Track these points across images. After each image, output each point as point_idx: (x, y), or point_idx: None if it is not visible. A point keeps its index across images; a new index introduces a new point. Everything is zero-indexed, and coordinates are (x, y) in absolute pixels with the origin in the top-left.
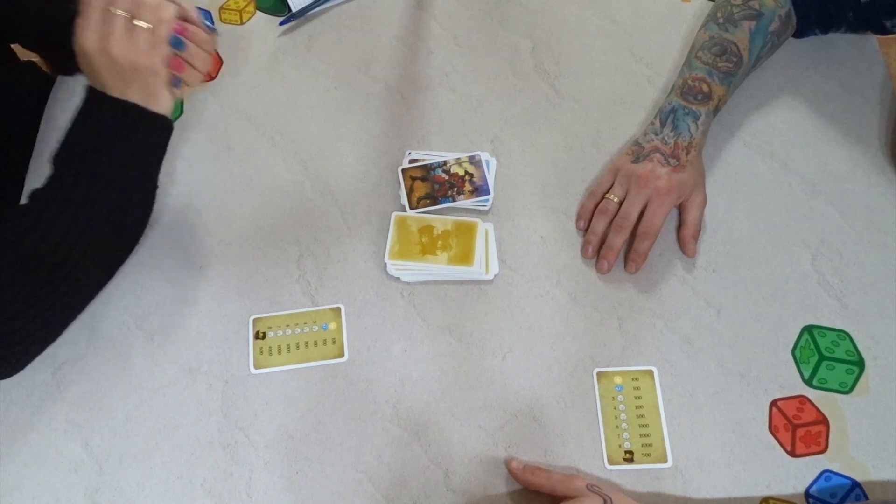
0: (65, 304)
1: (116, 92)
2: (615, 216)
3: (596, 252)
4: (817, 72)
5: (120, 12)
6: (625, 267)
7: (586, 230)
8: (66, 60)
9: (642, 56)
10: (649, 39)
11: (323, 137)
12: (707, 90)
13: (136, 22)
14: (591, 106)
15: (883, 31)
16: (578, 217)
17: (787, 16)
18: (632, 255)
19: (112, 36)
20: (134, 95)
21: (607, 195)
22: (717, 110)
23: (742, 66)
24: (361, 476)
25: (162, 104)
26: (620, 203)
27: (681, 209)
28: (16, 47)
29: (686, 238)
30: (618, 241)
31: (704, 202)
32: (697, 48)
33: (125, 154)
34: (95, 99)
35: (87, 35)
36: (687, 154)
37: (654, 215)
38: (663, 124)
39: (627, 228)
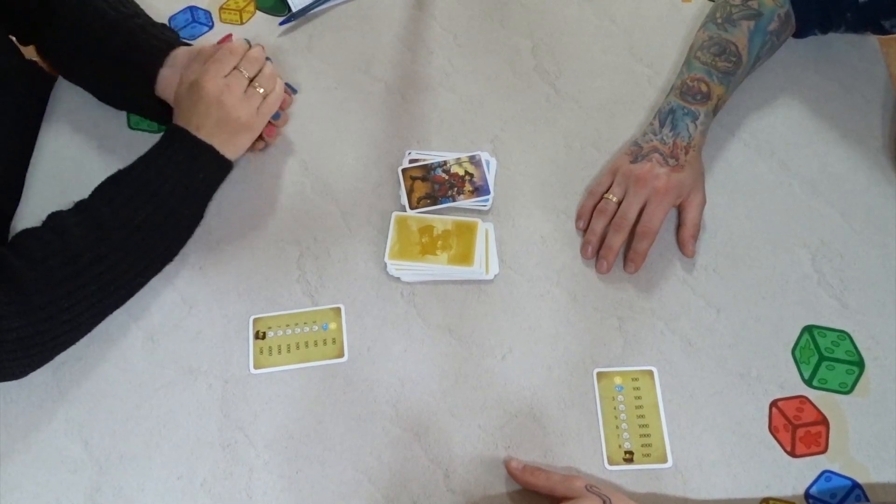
0: (84, 316)
1: (203, 133)
2: (614, 216)
3: (595, 252)
4: (817, 72)
5: (246, 74)
6: (624, 267)
7: (586, 230)
8: (124, 99)
9: (642, 56)
10: (649, 39)
11: (323, 137)
12: (706, 90)
13: (257, 87)
14: (591, 106)
15: (882, 31)
16: (578, 217)
17: (787, 15)
18: (630, 254)
19: (232, 90)
20: (218, 141)
21: (606, 195)
22: (716, 110)
23: (741, 66)
24: (361, 476)
25: (236, 154)
26: (619, 203)
27: (680, 209)
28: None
29: (685, 238)
30: (617, 240)
31: (703, 202)
32: (696, 48)
33: (187, 188)
34: (178, 133)
35: (210, 80)
36: (686, 154)
37: (652, 215)
38: (662, 124)
39: (626, 228)
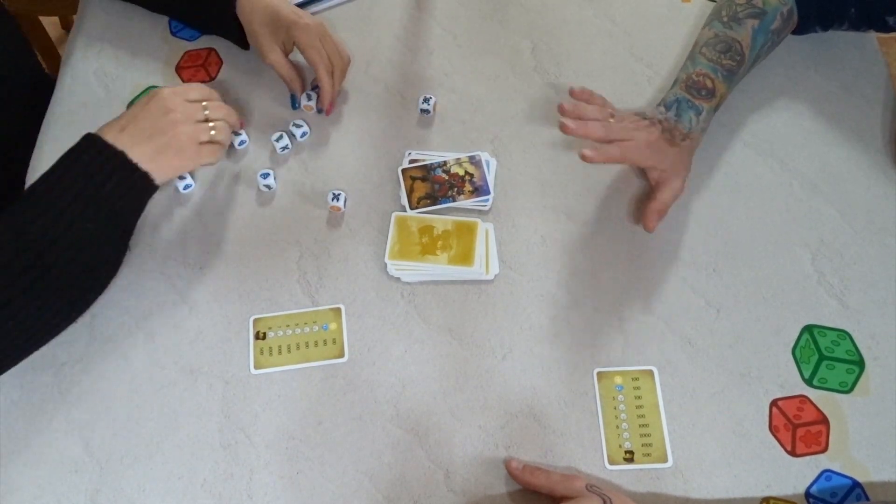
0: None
1: (126, 134)
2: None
3: (564, 112)
4: (818, 72)
5: (207, 112)
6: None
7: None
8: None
9: (642, 56)
10: (649, 39)
11: (323, 138)
12: (711, 86)
13: (210, 128)
14: None
15: (885, 28)
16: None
17: (789, 13)
18: (601, 153)
19: (187, 111)
20: (141, 151)
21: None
22: (716, 109)
23: (743, 66)
24: (362, 476)
25: (160, 175)
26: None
27: (655, 187)
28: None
29: (651, 210)
30: (591, 113)
31: (680, 192)
32: (702, 45)
33: (90, 201)
34: (87, 138)
35: (170, 91)
36: (682, 140)
37: (629, 145)
38: (668, 109)
39: (603, 118)
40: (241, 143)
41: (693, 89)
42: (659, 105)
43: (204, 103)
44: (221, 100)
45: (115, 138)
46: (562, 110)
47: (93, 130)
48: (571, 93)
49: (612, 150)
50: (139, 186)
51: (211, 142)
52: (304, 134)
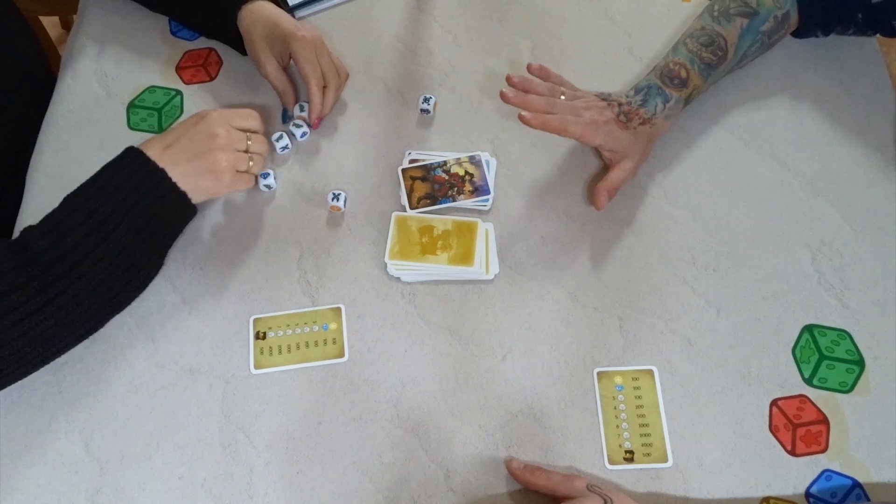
0: (25, 354)
1: (169, 153)
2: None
3: (511, 83)
4: (818, 72)
5: (250, 143)
6: (523, 119)
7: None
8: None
9: (642, 56)
10: (649, 39)
11: (323, 137)
12: (685, 76)
13: (249, 159)
14: None
15: (892, 32)
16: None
17: (784, 17)
18: (539, 115)
19: (230, 137)
20: (181, 171)
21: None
22: (689, 100)
23: (725, 62)
24: (362, 476)
25: (195, 195)
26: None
27: (609, 166)
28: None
29: (600, 189)
30: (539, 88)
31: (632, 175)
32: (687, 35)
33: (127, 213)
34: (129, 151)
35: (218, 115)
36: (640, 123)
37: (571, 119)
38: (636, 93)
39: (551, 97)
40: (267, 186)
41: (666, 77)
42: (630, 89)
43: (248, 135)
44: (264, 131)
45: (157, 155)
46: (509, 80)
47: (131, 128)
48: (528, 68)
49: (552, 120)
50: (177, 205)
51: (246, 171)
52: (303, 134)
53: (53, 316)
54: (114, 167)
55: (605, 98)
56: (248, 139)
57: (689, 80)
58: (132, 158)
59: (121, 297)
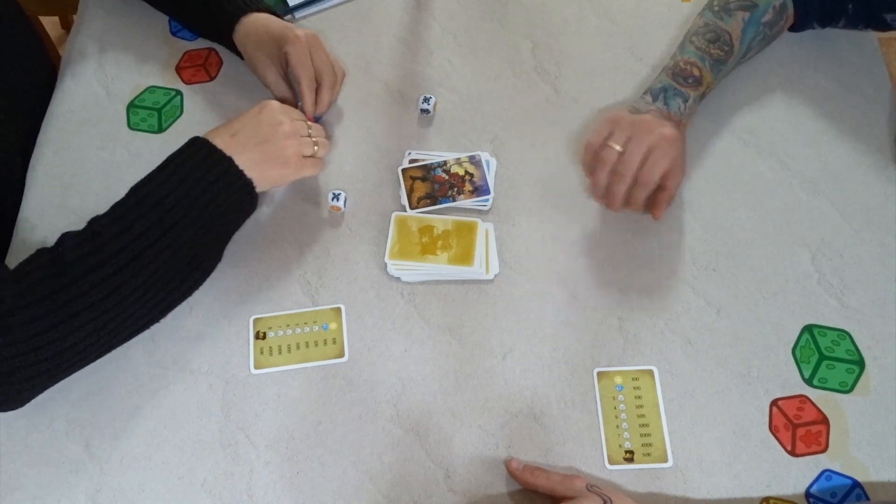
0: (75, 350)
1: (236, 141)
2: (616, 164)
3: (601, 199)
4: (817, 70)
5: (310, 130)
6: (606, 204)
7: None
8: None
9: (642, 56)
10: (649, 39)
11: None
12: (698, 74)
13: (314, 142)
14: (591, 106)
15: (883, 26)
16: (585, 171)
17: (782, 7)
18: (631, 202)
19: (295, 126)
20: (248, 159)
21: (609, 142)
22: (702, 97)
23: (732, 56)
24: (362, 476)
25: (262, 184)
26: (621, 152)
27: (662, 174)
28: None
29: (661, 200)
30: (620, 189)
31: (683, 177)
32: (692, 33)
33: (194, 203)
34: (196, 141)
35: (278, 105)
36: (678, 126)
37: (655, 163)
38: (655, 99)
39: (629, 176)
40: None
41: (679, 77)
42: (644, 94)
43: (308, 122)
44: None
45: (225, 143)
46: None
47: (131, 128)
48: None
49: (641, 195)
50: (243, 194)
51: (312, 156)
52: None
53: (117, 306)
54: (180, 157)
55: (634, 107)
56: (309, 127)
57: (703, 78)
58: (198, 147)
59: (182, 289)
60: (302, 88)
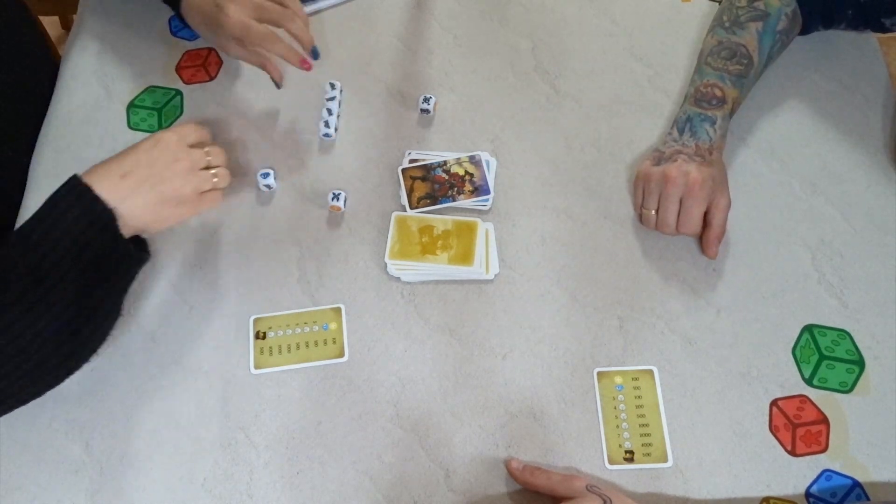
0: None
1: (127, 183)
2: (657, 227)
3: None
4: (818, 71)
5: (209, 158)
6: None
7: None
8: None
9: (642, 56)
10: (649, 39)
11: (322, 137)
12: (721, 94)
13: (213, 174)
14: (591, 106)
15: (882, 29)
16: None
17: (794, 14)
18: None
19: (193, 157)
20: (142, 202)
21: (643, 208)
22: (732, 113)
23: (753, 68)
24: (362, 476)
25: (158, 226)
26: (657, 211)
27: (706, 211)
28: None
29: (710, 240)
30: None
31: (729, 205)
32: (707, 54)
33: (73, 263)
34: (70, 184)
35: (174, 135)
36: (710, 154)
37: (689, 215)
38: (681, 132)
39: (672, 234)
40: (268, 186)
41: (703, 101)
42: (672, 128)
43: (206, 149)
44: (212, 137)
45: (114, 186)
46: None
47: (132, 127)
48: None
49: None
50: (126, 253)
51: (212, 188)
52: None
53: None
54: (58, 205)
55: (660, 151)
56: (207, 154)
57: (726, 96)
58: (78, 196)
59: (77, 352)
60: (274, 52)
